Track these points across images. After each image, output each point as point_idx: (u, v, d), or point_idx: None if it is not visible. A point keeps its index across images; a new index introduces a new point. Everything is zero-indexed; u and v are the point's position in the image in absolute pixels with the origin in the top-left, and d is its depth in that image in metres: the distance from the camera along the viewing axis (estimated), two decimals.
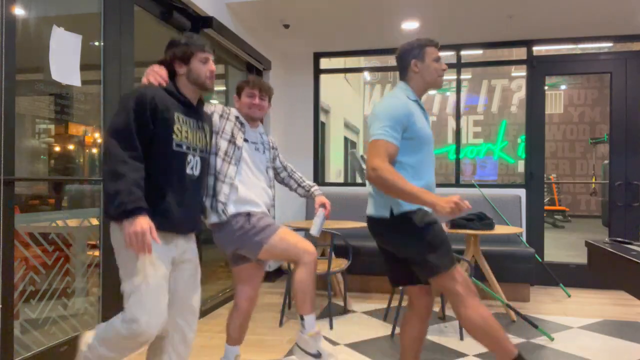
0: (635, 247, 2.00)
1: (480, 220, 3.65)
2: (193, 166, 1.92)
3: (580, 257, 4.89)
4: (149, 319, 1.72)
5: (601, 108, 12.26)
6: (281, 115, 5.25)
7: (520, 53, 4.94)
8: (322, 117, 6.13)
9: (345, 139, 10.57)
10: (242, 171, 2.26)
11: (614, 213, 4.68)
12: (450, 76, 5.23)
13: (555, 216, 10.58)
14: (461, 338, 3.19)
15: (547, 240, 4.84)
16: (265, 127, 4.88)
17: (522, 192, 4.80)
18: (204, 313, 3.67)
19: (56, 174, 2.73)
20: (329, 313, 3.51)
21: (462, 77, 5.12)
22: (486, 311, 1.97)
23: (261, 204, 2.29)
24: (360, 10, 4.06)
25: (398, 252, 2.10)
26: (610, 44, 4.87)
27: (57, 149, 2.72)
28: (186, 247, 1.93)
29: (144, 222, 1.65)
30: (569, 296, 4.39)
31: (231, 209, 2.21)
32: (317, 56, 5.30)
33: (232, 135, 2.25)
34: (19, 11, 2.12)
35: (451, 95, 11.22)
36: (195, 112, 1.96)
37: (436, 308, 3.92)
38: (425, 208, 2.02)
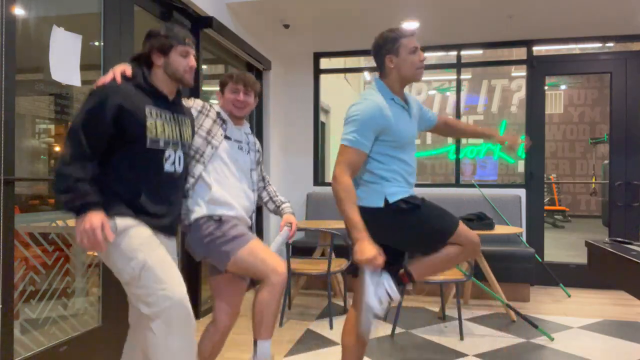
0: (635, 247, 2.00)
1: (480, 220, 3.65)
2: (174, 162, 1.83)
3: (580, 257, 4.89)
4: (173, 284, 1.67)
5: (601, 108, 12.25)
6: (281, 115, 5.25)
7: (520, 53, 4.94)
8: (322, 117, 6.13)
9: None
10: (219, 170, 2.05)
11: (614, 213, 4.68)
12: (450, 76, 5.24)
13: (555, 216, 10.57)
14: (461, 338, 3.19)
15: (547, 240, 4.84)
16: (265, 127, 4.88)
17: (522, 192, 4.80)
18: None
19: None
20: (329, 313, 3.51)
21: (462, 77, 5.12)
22: (454, 261, 2.03)
23: (237, 207, 2.07)
24: (360, 10, 4.06)
25: (392, 240, 2.04)
26: (610, 44, 4.87)
27: (57, 149, 2.72)
28: (167, 243, 1.86)
29: (94, 218, 1.59)
30: (569, 296, 4.39)
31: (202, 210, 2.00)
32: (317, 56, 5.30)
33: (209, 133, 2.06)
34: (19, 11, 2.12)
35: (451, 95, 11.19)
36: (172, 104, 1.86)
37: (436, 308, 3.92)
38: (404, 196, 1.99)
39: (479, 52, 5.30)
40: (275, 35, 4.74)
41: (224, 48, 4.01)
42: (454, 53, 5.00)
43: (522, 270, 4.13)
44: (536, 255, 4.35)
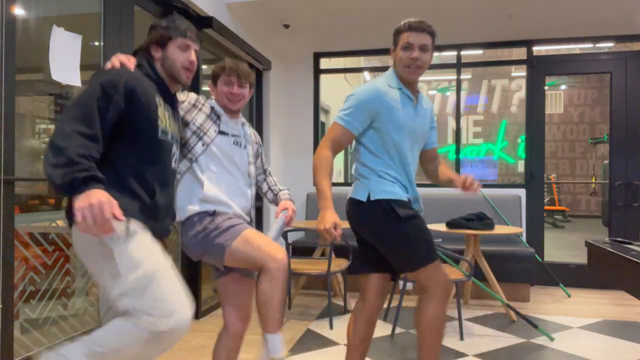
0: (635, 247, 2.00)
1: (480, 220, 3.65)
2: (176, 159, 1.74)
3: (580, 257, 4.89)
4: (183, 306, 1.45)
5: (601, 108, 12.25)
6: (281, 115, 5.25)
7: (520, 53, 4.94)
8: (322, 117, 6.12)
9: None
10: (212, 168, 1.95)
11: (614, 213, 4.68)
12: (450, 76, 5.23)
13: (555, 216, 10.57)
14: (461, 338, 3.19)
15: (547, 240, 4.84)
16: (265, 127, 4.88)
17: (522, 192, 4.80)
18: (204, 313, 3.67)
19: None
20: (329, 313, 3.51)
21: (462, 77, 5.12)
22: (443, 321, 1.99)
23: (232, 206, 1.96)
24: (360, 10, 4.06)
25: (372, 240, 2.03)
26: (610, 44, 4.87)
27: None
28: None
29: (99, 193, 1.30)
30: (569, 296, 4.39)
31: (194, 208, 1.89)
32: (317, 56, 5.30)
33: (200, 129, 1.95)
34: (19, 11, 2.12)
35: (451, 95, 11.18)
36: (173, 100, 1.75)
37: None
38: (402, 198, 1.96)
39: (479, 52, 5.30)
40: (275, 35, 4.74)
41: (224, 48, 4.01)
42: (454, 53, 5.00)
43: (522, 270, 4.13)
44: (536, 255, 4.35)
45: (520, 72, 10.98)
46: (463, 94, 8.04)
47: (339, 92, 8.81)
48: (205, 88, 3.82)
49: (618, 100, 4.66)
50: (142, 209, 1.56)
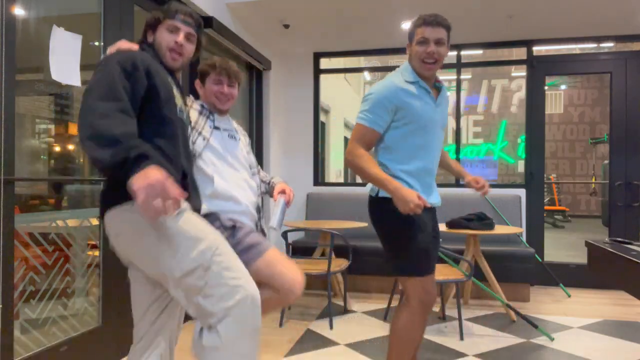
0: (635, 247, 2.00)
1: (480, 220, 3.65)
2: (192, 141, 1.69)
3: (580, 257, 4.89)
4: (246, 281, 1.42)
5: (601, 108, 12.25)
6: (281, 115, 5.25)
7: (520, 53, 4.94)
8: (322, 117, 6.13)
9: (346, 139, 10.56)
10: (216, 162, 1.92)
11: (614, 213, 4.68)
12: (450, 76, 5.23)
13: (555, 216, 10.57)
14: (461, 338, 3.19)
15: (547, 240, 4.84)
16: (265, 127, 4.88)
17: (522, 192, 4.80)
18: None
19: (56, 174, 2.73)
20: (329, 313, 3.51)
21: (462, 77, 5.12)
22: (417, 333, 1.98)
23: (242, 201, 1.95)
24: (360, 10, 4.06)
25: (378, 235, 2.06)
26: (610, 44, 4.87)
27: (57, 149, 2.72)
28: None
29: (157, 172, 1.21)
30: (569, 296, 4.39)
31: (204, 207, 1.83)
32: (317, 56, 5.30)
33: (196, 125, 1.92)
34: (19, 11, 2.12)
35: (451, 95, 11.21)
36: (177, 82, 1.68)
37: (436, 308, 3.91)
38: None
39: (479, 52, 5.30)
40: (275, 35, 4.74)
41: (224, 48, 4.01)
42: (454, 53, 5.00)
43: (522, 270, 4.13)
44: (536, 255, 4.35)
45: (520, 72, 10.98)
46: (463, 94, 8.04)
47: (339, 92, 8.82)
48: None
49: (618, 100, 4.66)
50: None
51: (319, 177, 5.36)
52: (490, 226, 3.64)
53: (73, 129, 2.76)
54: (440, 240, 4.43)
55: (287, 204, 2.07)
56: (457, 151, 5.03)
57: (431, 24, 1.93)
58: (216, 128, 1.99)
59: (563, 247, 7.31)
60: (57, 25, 2.29)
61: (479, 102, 11.61)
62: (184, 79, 3.40)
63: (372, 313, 3.81)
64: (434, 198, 2.11)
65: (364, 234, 4.37)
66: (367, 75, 12.05)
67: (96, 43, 2.65)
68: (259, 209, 2.08)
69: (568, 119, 12.61)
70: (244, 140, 2.13)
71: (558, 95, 12.65)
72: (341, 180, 10.30)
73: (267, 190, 2.22)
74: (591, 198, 12.34)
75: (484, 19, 4.26)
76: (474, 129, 11.59)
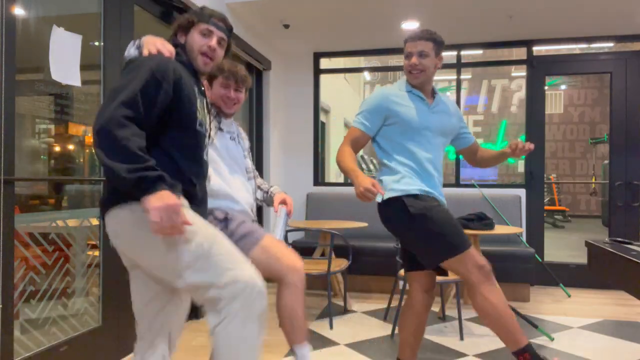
0: (635, 247, 2.00)
1: (480, 220, 3.65)
2: (207, 151, 1.68)
3: (580, 257, 4.89)
4: (247, 266, 1.45)
5: (601, 108, 12.25)
6: (281, 115, 5.25)
7: (520, 53, 4.94)
8: (322, 117, 6.13)
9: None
10: (214, 163, 1.95)
11: (614, 213, 4.68)
12: (450, 76, 5.23)
13: (555, 216, 10.57)
14: (461, 338, 3.19)
15: (547, 240, 4.84)
16: (265, 127, 4.88)
17: (522, 192, 4.80)
18: (204, 313, 3.67)
19: (56, 174, 2.73)
20: (329, 313, 3.51)
21: (462, 77, 5.12)
22: (499, 298, 2.00)
23: (240, 201, 1.98)
24: (360, 10, 4.06)
25: (398, 238, 2.21)
26: (610, 44, 4.87)
27: (57, 149, 2.72)
28: None
29: (170, 196, 1.30)
30: (569, 296, 4.39)
31: None
32: (317, 56, 5.30)
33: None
34: (19, 11, 2.12)
35: (451, 95, 11.23)
36: (203, 89, 1.70)
37: (436, 308, 3.91)
38: (412, 192, 2.07)
39: (479, 52, 5.30)
40: (275, 35, 4.74)
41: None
42: (454, 53, 5.00)
43: (522, 270, 4.13)
44: (536, 255, 4.35)
45: (520, 72, 10.99)
46: (463, 93, 8.04)
47: (339, 92, 8.82)
48: None
49: (618, 100, 4.66)
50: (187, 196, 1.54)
51: (319, 177, 5.36)
52: (490, 226, 3.64)
53: (73, 129, 2.76)
54: None
55: (289, 214, 2.13)
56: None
57: (412, 39, 2.13)
58: (220, 129, 2.02)
59: (563, 247, 7.31)
60: (57, 25, 2.29)
61: (479, 102, 11.62)
62: None
63: (372, 313, 3.81)
64: (441, 195, 2.22)
65: (364, 234, 4.37)
66: (367, 75, 12.05)
67: (96, 43, 2.65)
68: (251, 209, 2.10)
69: (568, 119, 12.60)
70: (243, 145, 2.16)
71: (558, 95, 12.65)
72: (341, 180, 10.30)
73: (265, 199, 2.25)
74: (591, 198, 12.34)
75: (484, 19, 4.26)
76: (474, 129, 11.59)
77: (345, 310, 3.84)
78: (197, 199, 1.60)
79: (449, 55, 5.06)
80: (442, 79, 10.51)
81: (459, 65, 5.04)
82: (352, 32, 4.63)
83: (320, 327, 3.43)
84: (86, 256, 2.64)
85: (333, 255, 3.50)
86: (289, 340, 1.86)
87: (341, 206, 4.93)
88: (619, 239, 2.19)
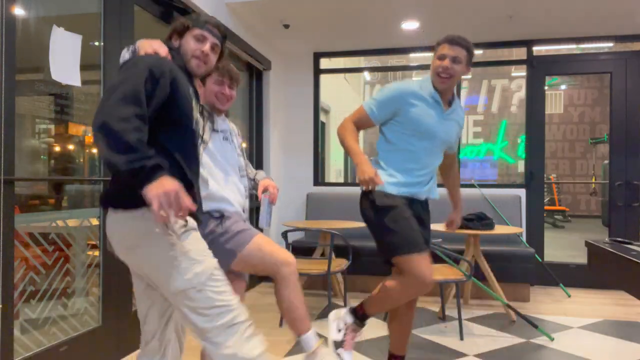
0: (635, 247, 2.00)
1: (480, 220, 3.65)
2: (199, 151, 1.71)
3: (580, 257, 4.89)
4: (238, 305, 1.49)
5: (601, 108, 12.25)
6: (281, 115, 5.25)
7: (520, 53, 4.94)
8: (322, 117, 6.13)
9: None
10: (209, 165, 1.96)
11: (614, 213, 4.67)
12: None
13: (555, 216, 10.57)
14: (461, 338, 3.19)
15: (547, 240, 4.84)
16: (265, 127, 4.88)
17: (522, 192, 4.80)
18: None
19: (56, 174, 2.73)
20: (329, 313, 3.50)
21: (462, 77, 5.11)
22: (402, 295, 2.09)
23: (234, 204, 2.01)
24: (360, 10, 4.06)
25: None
26: (610, 44, 4.87)
27: (57, 149, 2.73)
28: None
29: (170, 181, 1.29)
30: (569, 296, 4.39)
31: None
32: (317, 56, 5.30)
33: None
34: (19, 11, 2.12)
35: None
36: (196, 91, 1.71)
37: (436, 308, 3.91)
38: (388, 190, 2.13)
39: (479, 52, 5.29)
40: (275, 35, 4.74)
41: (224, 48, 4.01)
42: None
43: (522, 270, 4.13)
44: (536, 255, 4.35)
45: (520, 72, 10.99)
46: (463, 93, 8.03)
47: (339, 92, 8.82)
48: None
49: (618, 100, 4.66)
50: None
51: (319, 177, 5.36)
52: (490, 226, 3.64)
53: (73, 129, 2.76)
54: (440, 240, 4.43)
55: (272, 200, 2.10)
56: (457, 151, 5.02)
57: (451, 42, 2.11)
58: (214, 130, 2.03)
59: (563, 247, 7.31)
60: (57, 25, 2.29)
61: (479, 102, 11.61)
62: None
63: None
64: (427, 192, 2.27)
65: (364, 234, 4.35)
66: (367, 75, 12.05)
67: (96, 43, 2.65)
68: (243, 210, 2.13)
69: (568, 119, 12.61)
70: (236, 142, 2.16)
71: (558, 95, 12.65)
72: (341, 180, 10.30)
73: (253, 187, 2.25)
74: (591, 198, 12.34)
75: (484, 19, 4.26)
76: (474, 129, 11.59)
77: None
78: (197, 201, 1.59)
79: (473, 50, 5.05)
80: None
81: None
82: (352, 32, 4.63)
83: (320, 327, 3.43)
84: (86, 256, 2.64)
85: (333, 255, 3.50)
86: (293, 331, 1.94)
87: (341, 206, 4.93)
88: (619, 239, 2.19)
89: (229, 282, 1.54)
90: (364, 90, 12.15)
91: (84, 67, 2.40)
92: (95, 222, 2.68)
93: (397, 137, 2.17)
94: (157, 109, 1.47)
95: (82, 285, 2.64)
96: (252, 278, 4.82)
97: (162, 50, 1.56)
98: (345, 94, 9.16)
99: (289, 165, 5.35)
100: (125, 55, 1.57)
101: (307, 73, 5.32)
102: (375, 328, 3.43)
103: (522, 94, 11.12)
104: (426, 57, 5.23)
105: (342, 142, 2.17)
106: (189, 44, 1.64)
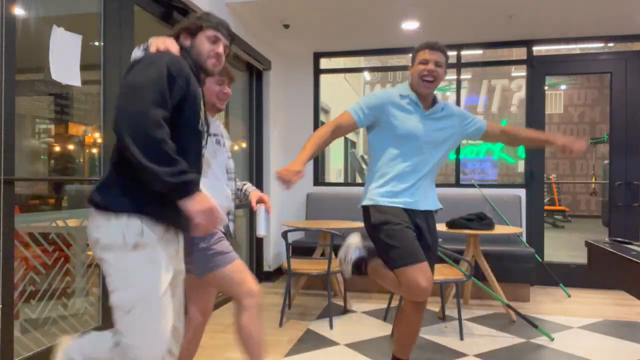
0: (635, 247, 2.00)
1: (480, 220, 3.65)
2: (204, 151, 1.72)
3: (580, 257, 4.89)
4: (152, 347, 1.45)
5: (601, 108, 12.26)
6: (281, 115, 5.24)
7: (520, 53, 4.94)
8: (322, 117, 6.12)
9: (345, 138, 10.57)
10: (204, 172, 1.95)
11: (614, 213, 4.67)
12: (450, 76, 5.23)
13: (555, 216, 10.57)
14: (461, 338, 3.19)
15: (547, 240, 4.84)
16: (265, 127, 4.88)
17: (522, 192, 4.80)
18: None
19: (56, 174, 2.73)
20: (329, 313, 3.51)
21: (462, 77, 5.12)
22: (395, 291, 2.22)
23: (222, 210, 2.00)
24: (360, 10, 4.06)
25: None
26: (610, 44, 4.86)
27: (57, 149, 2.73)
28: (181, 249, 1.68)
29: (209, 199, 1.41)
30: (569, 296, 4.39)
31: None
32: (317, 56, 5.30)
33: None
34: (19, 11, 2.12)
35: (451, 95, 11.21)
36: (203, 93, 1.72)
37: (436, 308, 3.91)
38: (380, 203, 2.20)
39: (479, 52, 5.30)
40: (275, 35, 4.74)
41: None
42: (454, 53, 5.00)
43: (522, 270, 4.13)
44: (536, 255, 4.35)
45: (520, 72, 10.98)
46: (463, 93, 8.03)
47: (339, 92, 8.81)
48: None
49: (618, 100, 4.66)
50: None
51: (319, 177, 5.36)
52: (490, 226, 3.64)
53: (73, 129, 2.76)
54: (440, 240, 4.43)
55: (267, 211, 2.15)
56: (457, 151, 5.03)
57: (432, 48, 2.20)
58: (209, 134, 2.01)
59: (563, 247, 7.31)
60: (57, 25, 2.29)
61: (479, 102, 11.61)
62: None
63: (372, 313, 3.81)
64: (425, 204, 2.28)
65: (364, 234, 4.36)
66: (367, 75, 12.05)
67: (96, 43, 2.65)
68: (229, 213, 2.16)
69: (568, 119, 12.61)
70: (227, 145, 2.19)
71: (558, 95, 12.65)
72: (341, 180, 10.30)
73: (240, 197, 2.29)
74: (591, 198, 12.34)
75: (484, 19, 4.26)
76: None
77: (345, 310, 3.84)
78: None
79: (449, 55, 5.06)
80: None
81: (459, 65, 5.03)
82: (352, 32, 4.63)
83: (320, 327, 3.43)
84: (86, 256, 2.64)
85: (333, 255, 3.50)
86: (250, 357, 1.98)
87: (341, 206, 4.93)
88: (619, 239, 2.19)
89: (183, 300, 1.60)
90: (364, 90, 12.15)
91: (84, 67, 2.40)
92: None
93: (383, 143, 2.24)
94: (173, 110, 1.47)
95: (82, 285, 2.63)
96: None
97: (174, 48, 1.56)
98: (345, 94, 9.16)
99: None
100: (138, 53, 1.57)
101: (307, 73, 5.32)
102: (375, 328, 3.43)
103: (522, 94, 11.12)
104: None
105: (308, 140, 2.17)
106: (204, 45, 1.64)
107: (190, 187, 1.37)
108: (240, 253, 4.80)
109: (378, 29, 4.52)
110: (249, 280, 2.00)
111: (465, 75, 10.73)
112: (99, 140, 2.77)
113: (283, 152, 5.31)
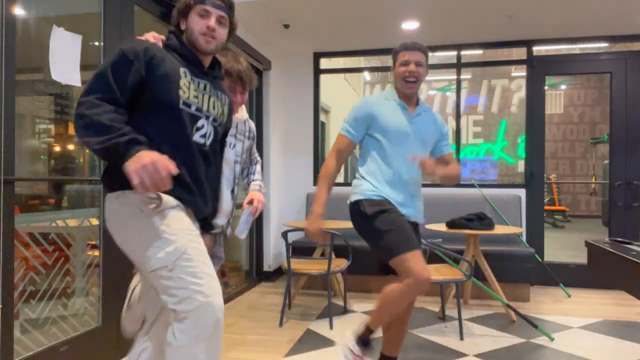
0: (635, 247, 2.00)
1: (480, 220, 3.65)
2: (205, 134, 1.60)
3: (580, 257, 4.89)
4: (213, 287, 1.42)
5: (601, 108, 12.25)
6: (281, 115, 5.24)
7: (520, 53, 4.94)
8: (322, 117, 6.13)
9: None
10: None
11: (614, 213, 4.67)
12: (450, 76, 5.23)
13: (555, 216, 10.57)
14: (461, 338, 3.19)
15: (547, 240, 4.84)
16: (265, 128, 4.88)
17: (522, 192, 4.80)
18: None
19: (56, 174, 2.73)
20: (329, 313, 3.51)
21: (462, 77, 5.12)
22: (402, 300, 2.14)
23: (224, 216, 2.04)
24: (360, 10, 4.06)
25: (363, 239, 2.32)
26: (610, 44, 4.86)
27: (57, 149, 2.72)
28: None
29: (150, 154, 1.30)
30: (569, 296, 4.39)
31: None
32: (317, 56, 5.30)
33: None
34: (19, 11, 2.12)
35: (451, 95, 11.19)
36: (210, 77, 1.68)
37: (436, 308, 3.91)
38: (373, 197, 2.22)
39: (479, 52, 5.29)
40: (275, 35, 4.74)
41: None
42: (454, 53, 5.00)
43: (522, 270, 4.13)
44: (536, 255, 4.35)
45: (520, 72, 10.98)
46: (463, 93, 8.03)
47: (339, 92, 8.81)
48: None
49: (618, 100, 4.66)
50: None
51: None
52: (490, 226, 3.64)
53: (73, 129, 2.76)
54: (440, 240, 4.43)
55: (253, 214, 2.12)
56: (457, 151, 5.02)
57: (410, 48, 2.23)
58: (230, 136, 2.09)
59: (563, 247, 7.31)
60: (57, 25, 2.29)
61: (479, 102, 11.61)
62: None
63: None
64: (414, 214, 2.30)
65: None
66: (367, 75, 12.04)
67: (96, 43, 2.65)
68: (228, 215, 2.15)
69: (568, 119, 12.61)
70: (240, 147, 2.18)
71: (558, 95, 12.65)
72: (341, 180, 10.30)
73: (245, 188, 2.30)
74: (591, 198, 12.34)
75: (484, 19, 4.26)
76: (474, 129, 11.58)
77: (345, 310, 3.84)
78: (186, 187, 1.55)
79: (449, 55, 5.06)
80: (442, 78, 10.52)
81: (459, 65, 5.03)
82: (352, 32, 4.63)
83: (320, 327, 3.43)
84: (86, 256, 2.64)
85: (333, 255, 3.50)
86: None
87: (341, 206, 4.91)
88: (619, 239, 2.19)
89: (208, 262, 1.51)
90: (364, 90, 12.15)
91: (84, 67, 2.40)
92: (95, 222, 2.68)
93: (372, 141, 2.27)
94: (134, 92, 1.48)
95: (82, 285, 2.63)
96: (252, 278, 4.82)
97: (151, 36, 1.58)
98: (345, 94, 9.16)
99: (289, 165, 5.35)
100: None
101: (307, 73, 5.32)
102: None
103: (522, 94, 11.12)
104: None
105: (319, 182, 2.30)
106: (194, 22, 1.59)
107: (124, 149, 1.30)
108: (240, 253, 4.81)
109: (378, 29, 4.52)
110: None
111: (465, 75, 10.73)
112: None
113: (283, 152, 5.31)
